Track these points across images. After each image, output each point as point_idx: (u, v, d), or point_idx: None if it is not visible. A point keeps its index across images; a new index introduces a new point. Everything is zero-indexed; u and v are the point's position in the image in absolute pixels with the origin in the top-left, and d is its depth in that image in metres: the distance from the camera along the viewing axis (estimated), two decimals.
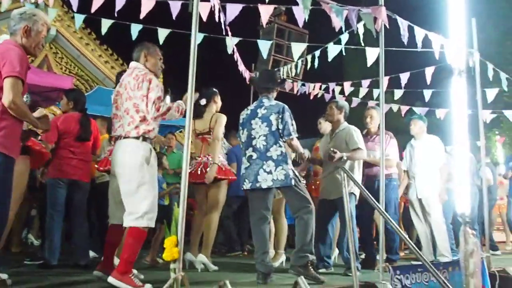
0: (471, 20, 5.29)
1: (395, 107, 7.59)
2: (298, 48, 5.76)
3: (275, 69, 7.81)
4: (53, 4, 5.61)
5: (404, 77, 6.37)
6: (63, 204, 4.40)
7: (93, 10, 4.30)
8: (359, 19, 4.06)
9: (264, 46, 5.55)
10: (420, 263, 3.44)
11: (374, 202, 3.50)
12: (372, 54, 4.84)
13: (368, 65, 4.84)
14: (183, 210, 2.89)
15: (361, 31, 4.70)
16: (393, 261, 5.19)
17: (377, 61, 4.37)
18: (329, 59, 5.49)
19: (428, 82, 6.16)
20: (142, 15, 4.28)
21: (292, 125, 3.98)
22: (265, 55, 6.34)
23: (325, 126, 5.65)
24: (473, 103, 5.38)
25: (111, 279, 3.07)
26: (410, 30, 4.41)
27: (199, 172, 4.45)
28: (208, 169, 4.44)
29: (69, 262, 4.42)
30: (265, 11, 4.23)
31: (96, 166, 4.56)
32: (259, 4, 4.19)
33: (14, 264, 4.44)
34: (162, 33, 5.09)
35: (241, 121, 4.18)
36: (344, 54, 5.57)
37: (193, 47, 3.10)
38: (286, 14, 10.27)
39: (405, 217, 7.24)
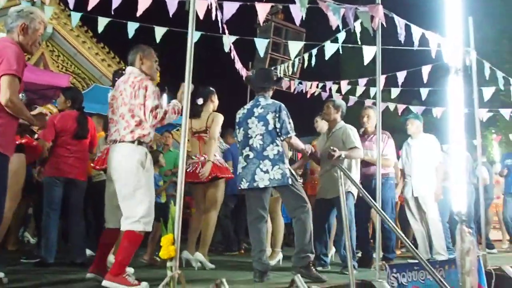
0: (468, 18, 5.31)
1: (392, 106, 7.61)
2: (295, 47, 5.74)
3: (272, 68, 7.81)
4: (49, 2, 5.60)
5: (401, 75, 6.39)
6: (59, 202, 4.40)
7: (89, 8, 4.29)
8: (356, 18, 4.06)
9: (261, 44, 5.53)
10: (416, 261, 3.46)
11: (371, 201, 3.51)
12: (369, 52, 4.86)
13: (365, 63, 4.86)
14: (180, 208, 2.90)
15: (358, 29, 4.73)
16: (390, 259, 5.22)
17: (374, 60, 4.38)
18: (326, 58, 5.51)
19: (425, 81, 6.18)
20: (138, 13, 4.26)
21: (290, 123, 3.96)
22: (262, 54, 6.31)
23: (321, 125, 5.65)
24: (470, 102, 5.39)
25: (105, 283, 3.05)
26: (407, 28, 4.42)
27: (197, 172, 4.45)
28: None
29: (65, 260, 4.41)
30: (262, 9, 4.22)
31: (92, 165, 4.55)
32: (256, 2, 4.18)
33: (11, 262, 4.44)
34: (159, 31, 5.08)
35: (237, 120, 4.17)
36: (341, 52, 5.58)
37: (190, 45, 3.10)
38: (283, 13, 10.31)
39: (401, 216, 7.25)
